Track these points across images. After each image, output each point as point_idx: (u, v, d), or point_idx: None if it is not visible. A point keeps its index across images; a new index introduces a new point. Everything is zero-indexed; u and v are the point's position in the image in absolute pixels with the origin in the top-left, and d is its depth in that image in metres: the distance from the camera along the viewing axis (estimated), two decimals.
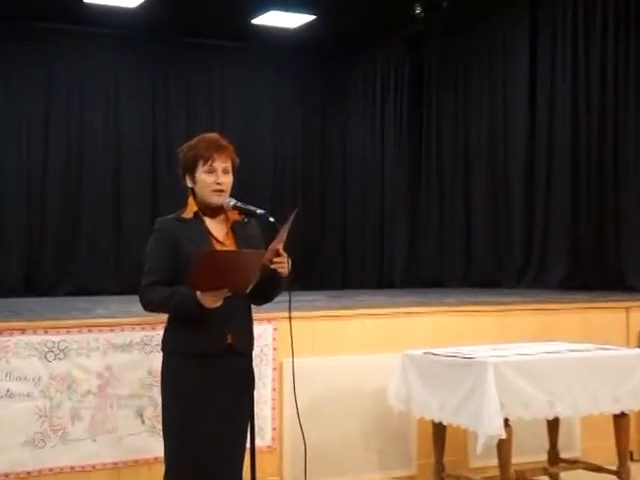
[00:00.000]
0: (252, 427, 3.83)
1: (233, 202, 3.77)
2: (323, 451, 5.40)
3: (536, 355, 5.02)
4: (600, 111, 8.84)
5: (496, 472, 4.92)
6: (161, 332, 3.88)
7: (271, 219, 3.67)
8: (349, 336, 5.82)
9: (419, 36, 11.78)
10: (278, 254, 3.66)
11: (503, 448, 4.76)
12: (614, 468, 5.28)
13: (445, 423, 5.07)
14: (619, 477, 5.24)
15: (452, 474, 5.40)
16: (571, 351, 5.22)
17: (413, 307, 6.24)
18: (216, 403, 3.67)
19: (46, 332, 4.90)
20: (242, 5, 10.94)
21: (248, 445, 3.82)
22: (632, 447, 5.94)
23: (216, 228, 3.80)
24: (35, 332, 4.88)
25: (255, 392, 3.87)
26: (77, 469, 4.93)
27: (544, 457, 5.68)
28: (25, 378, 4.82)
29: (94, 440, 4.95)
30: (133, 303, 4.26)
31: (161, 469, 3.79)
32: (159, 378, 3.83)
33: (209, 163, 3.74)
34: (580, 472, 5.61)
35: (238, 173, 3.86)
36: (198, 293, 3.51)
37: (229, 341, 3.71)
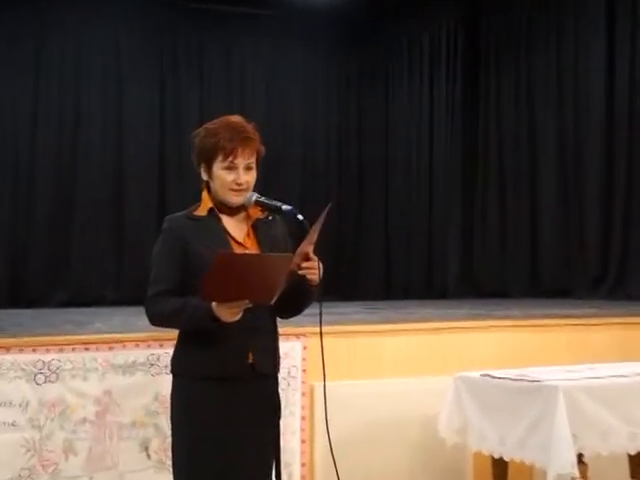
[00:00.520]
0: (277, 463, 3.81)
1: (255, 197, 3.76)
2: None
3: (615, 378, 5.00)
4: None
5: None
6: (170, 351, 3.89)
7: (299, 217, 3.65)
8: (392, 355, 5.83)
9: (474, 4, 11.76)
10: (308, 258, 3.65)
11: None
12: None
13: (507, 458, 5.05)
14: None
15: None
16: None
17: (469, 321, 6.28)
18: (235, 435, 3.66)
19: (35, 350, 4.91)
20: None
21: None
22: None
23: (235, 228, 3.80)
24: (22, 350, 4.89)
25: (281, 421, 3.84)
26: None
27: None
28: (10, 404, 4.83)
29: (91, 478, 4.96)
30: (137, 316, 4.28)
31: None
32: (167, 404, 3.84)
33: (230, 159, 3.71)
34: None
35: (262, 163, 3.85)
36: (214, 304, 3.51)
37: (250, 361, 3.70)
